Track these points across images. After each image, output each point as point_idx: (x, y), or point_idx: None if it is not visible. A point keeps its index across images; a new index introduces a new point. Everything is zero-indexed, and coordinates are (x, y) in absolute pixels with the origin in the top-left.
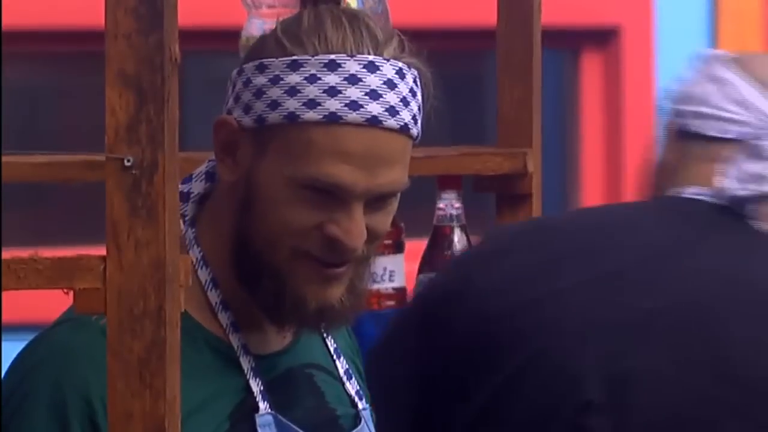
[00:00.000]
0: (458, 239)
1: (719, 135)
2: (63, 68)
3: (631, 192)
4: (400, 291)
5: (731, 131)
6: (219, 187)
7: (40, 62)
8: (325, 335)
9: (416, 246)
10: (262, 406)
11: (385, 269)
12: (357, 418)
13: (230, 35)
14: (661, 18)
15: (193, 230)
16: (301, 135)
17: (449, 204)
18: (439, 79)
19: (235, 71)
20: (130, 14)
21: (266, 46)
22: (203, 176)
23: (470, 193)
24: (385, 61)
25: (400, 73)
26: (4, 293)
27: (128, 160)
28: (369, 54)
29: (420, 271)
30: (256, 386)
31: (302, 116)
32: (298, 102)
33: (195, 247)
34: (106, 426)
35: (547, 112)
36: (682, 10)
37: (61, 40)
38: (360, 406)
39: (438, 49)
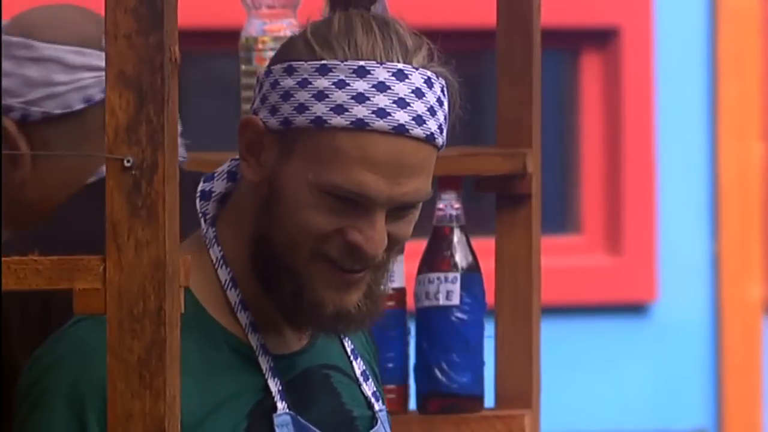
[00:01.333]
0: (458, 239)
1: None
2: None
3: (630, 191)
4: (400, 291)
5: None
6: (241, 186)
7: None
8: (342, 337)
9: (416, 246)
10: (280, 405)
11: None
12: (373, 420)
13: (230, 36)
14: (661, 18)
15: (214, 229)
16: (326, 140)
17: (449, 204)
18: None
19: (262, 72)
20: (130, 15)
21: (295, 48)
22: (225, 175)
23: (470, 194)
24: (414, 70)
25: (429, 82)
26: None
27: (128, 161)
28: (398, 62)
29: (419, 271)
30: (274, 386)
31: (329, 121)
32: (326, 107)
33: (215, 246)
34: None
35: (546, 113)
36: (682, 11)
37: None
38: (376, 407)
39: (438, 49)
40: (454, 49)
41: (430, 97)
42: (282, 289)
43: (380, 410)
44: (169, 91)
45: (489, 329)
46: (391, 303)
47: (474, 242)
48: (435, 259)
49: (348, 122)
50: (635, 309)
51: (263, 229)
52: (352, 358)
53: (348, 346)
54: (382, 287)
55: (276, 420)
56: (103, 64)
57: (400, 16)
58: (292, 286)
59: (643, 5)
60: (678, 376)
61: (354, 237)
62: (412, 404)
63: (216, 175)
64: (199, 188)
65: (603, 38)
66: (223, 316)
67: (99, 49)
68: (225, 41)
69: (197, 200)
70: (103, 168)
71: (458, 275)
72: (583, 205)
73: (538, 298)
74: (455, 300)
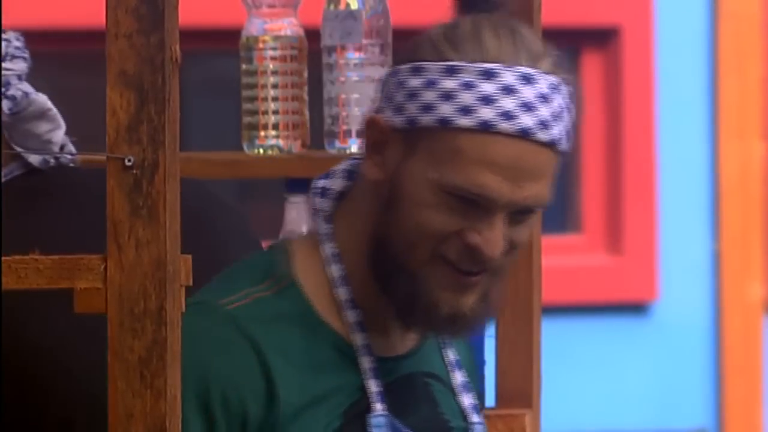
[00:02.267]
0: None
1: None
2: (64, 68)
3: (630, 191)
4: None
5: None
6: (360, 185)
7: (40, 62)
8: (442, 346)
9: None
10: (378, 407)
11: None
12: (469, 430)
13: (231, 35)
14: (661, 18)
15: (330, 226)
16: (450, 140)
17: None
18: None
19: (387, 71)
20: (131, 14)
21: (421, 48)
22: (343, 174)
23: None
24: (541, 75)
25: (555, 88)
26: None
27: (129, 160)
28: (525, 66)
29: None
30: (373, 387)
31: (454, 122)
32: (452, 108)
33: (329, 242)
34: (221, 414)
35: None
36: (682, 10)
37: (62, 40)
38: (473, 419)
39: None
40: None
41: (556, 103)
42: (398, 289)
43: (478, 423)
44: (169, 90)
45: (489, 328)
46: None
47: None
48: None
49: (473, 123)
50: (636, 308)
51: (382, 228)
52: (451, 369)
53: (449, 357)
54: (496, 292)
55: (372, 420)
56: None
57: (401, 15)
58: (409, 287)
59: (643, 5)
60: (678, 376)
61: (473, 239)
62: None
63: (333, 172)
64: (314, 185)
65: (603, 37)
66: (328, 313)
67: None
68: (226, 41)
69: (312, 197)
70: (10, 167)
71: None
72: (583, 204)
73: (538, 297)
74: None
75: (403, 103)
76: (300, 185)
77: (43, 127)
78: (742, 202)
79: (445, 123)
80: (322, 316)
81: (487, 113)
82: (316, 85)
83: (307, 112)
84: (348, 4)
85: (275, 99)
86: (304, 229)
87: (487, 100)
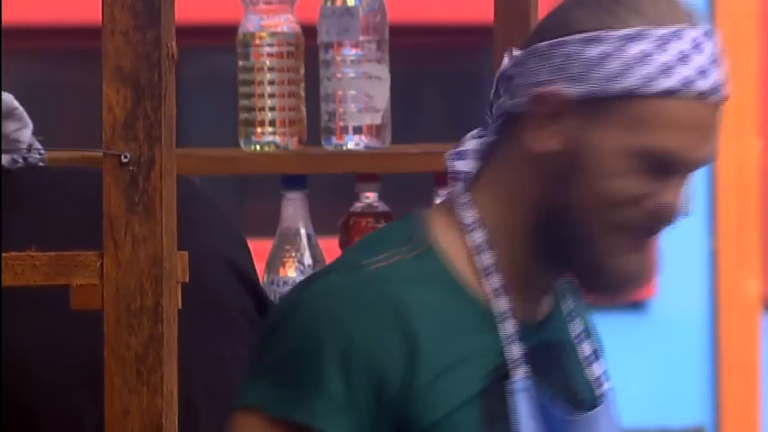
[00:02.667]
0: None
1: None
2: (60, 65)
3: None
4: None
5: None
6: (511, 156)
7: (36, 59)
8: (569, 318)
9: None
10: (520, 371)
11: None
12: (598, 401)
13: (227, 31)
14: None
15: (469, 194)
16: (637, 107)
17: None
18: (437, 77)
19: (546, 43)
20: (127, 10)
21: (583, 19)
22: (473, 154)
23: None
24: (709, 37)
25: (718, 48)
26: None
27: (125, 156)
28: (694, 29)
29: None
30: (515, 352)
31: (640, 89)
32: (637, 75)
33: (469, 209)
34: (361, 375)
35: None
36: None
37: (58, 37)
38: (604, 390)
39: (435, 46)
40: (452, 46)
41: (723, 62)
42: (578, 257)
43: (607, 390)
44: (166, 86)
45: None
46: None
47: None
48: None
49: (661, 89)
50: (633, 305)
51: (558, 198)
52: (578, 340)
53: (576, 328)
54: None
55: (515, 385)
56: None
57: (397, 11)
58: (590, 254)
59: None
60: (676, 373)
61: (659, 202)
62: None
63: (465, 144)
64: (452, 151)
65: None
66: (468, 278)
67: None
68: (222, 37)
69: (448, 161)
70: None
71: None
72: None
73: None
74: None
75: (582, 73)
76: (296, 182)
77: (9, 127)
78: (739, 199)
79: (631, 90)
80: (462, 280)
81: (673, 78)
82: (312, 81)
83: (303, 109)
84: (345, 1)
85: (272, 95)
86: (301, 225)
87: (671, 64)
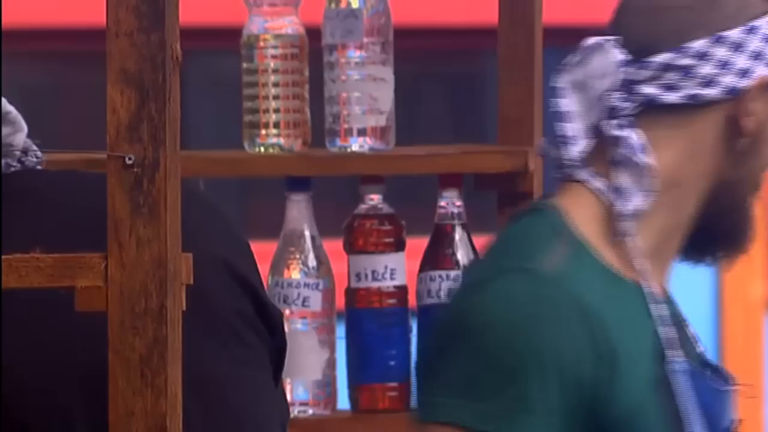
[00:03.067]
0: (459, 237)
1: None
2: (64, 66)
3: None
4: (401, 289)
5: None
6: (675, 140)
7: (41, 60)
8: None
9: (417, 244)
10: (680, 353)
11: (386, 267)
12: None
13: (232, 34)
14: None
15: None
16: None
17: (450, 202)
18: (441, 79)
19: (734, 33)
20: (132, 12)
21: (757, 2)
22: (583, 136)
23: (471, 192)
24: None
25: None
26: None
27: (130, 159)
28: None
29: (421, 269)
30: (671, 333)
31: None
32: None
33: (631, 199)
34: (558, 388)
35: (548, 111)
36: None
37: (63, 38)
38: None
39: (439, 48)
40: (455, 47)
41: None
42: (734, 224)
43: (704, 350)
44: (170, 88)
45: None
46: (392, 301)
47: (475, 240)
48: (437, 256)
49: None
50: None
51: (726, 171)
52: (683, 318)
53: (679, 307)
54: None
55: (674, 366)
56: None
57: (402, 13)
58: (742, 220)
59: None
60: None
61: None
62: (414, 402)
63: (573, 138)
64: (560, 134)
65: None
66: (618, 264)
67: None
68: (227, 39)
69: (559, 147)
70: None
71: (460, 273)
72: None
73: None
74: None
75: None
76: (301, 183)
77: (3, 131)
78: None
79: None
80: (616, 267)
81: None
82: (317, 83)
83: (308, 111)
84: (349, 3)
85: (276, 97)
86: (305, 227)
87: None
